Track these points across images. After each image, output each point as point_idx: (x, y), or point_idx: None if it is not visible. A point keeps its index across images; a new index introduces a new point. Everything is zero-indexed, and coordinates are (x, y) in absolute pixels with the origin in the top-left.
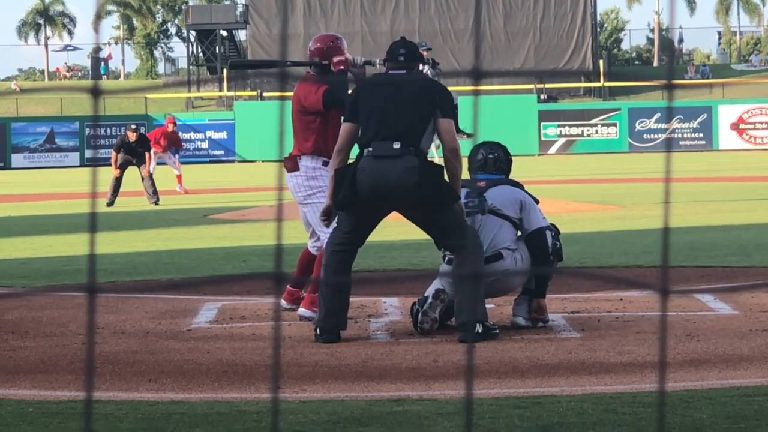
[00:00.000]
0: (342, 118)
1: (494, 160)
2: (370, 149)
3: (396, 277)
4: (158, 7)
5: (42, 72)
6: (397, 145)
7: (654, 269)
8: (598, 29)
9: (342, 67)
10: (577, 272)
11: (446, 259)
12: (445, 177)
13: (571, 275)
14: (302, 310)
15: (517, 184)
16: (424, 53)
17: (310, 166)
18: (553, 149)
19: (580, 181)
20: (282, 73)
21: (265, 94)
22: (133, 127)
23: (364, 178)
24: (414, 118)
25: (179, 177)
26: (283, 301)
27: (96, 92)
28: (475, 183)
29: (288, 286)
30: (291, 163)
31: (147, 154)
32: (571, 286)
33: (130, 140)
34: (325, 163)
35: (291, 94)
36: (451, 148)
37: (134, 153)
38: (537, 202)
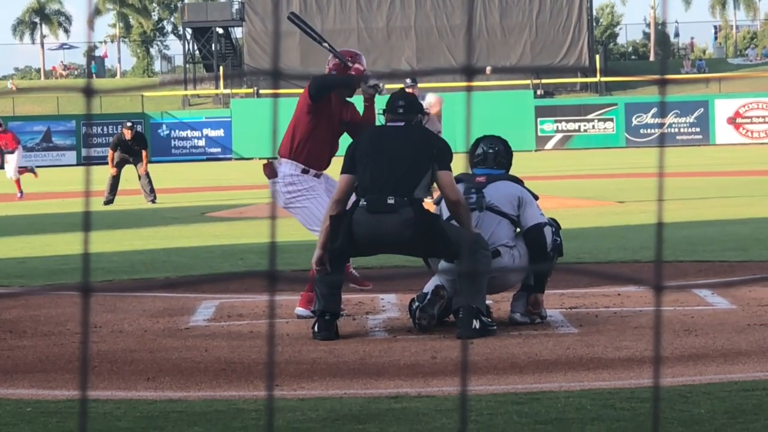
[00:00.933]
0: (333, 125)
1: (494, 155)
2: (365, 202)
3: (394, 274)
4: (154, 4)
5: (38, 70)
6: (391, 200)
7: (651, 264)
8: (594, 24)
9: (353, 73)
10: (571, 269)
11: None
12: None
13: (565, 272)
14: (299, 309)
15: (516, 180)
16: (411, 90)
17: (288, 173)
18: (549, 145)
19: (577, 176)
20: (275, 73)
21: (261, 92)
22: (129, 124)
23: (359, 231)
24: (409, 170)
25: (18, 182)
26: (300, 309)
27: (89, 92)
28: (475, 178)
29: (302, 293)
30: (269, 170)
31: (143, 152)
32: (569, 282)
33: (126, 138)
34: (305, 171)
35: (285, 91)
36: (453, 201)
37: (131, 151)
38: (536, 198)
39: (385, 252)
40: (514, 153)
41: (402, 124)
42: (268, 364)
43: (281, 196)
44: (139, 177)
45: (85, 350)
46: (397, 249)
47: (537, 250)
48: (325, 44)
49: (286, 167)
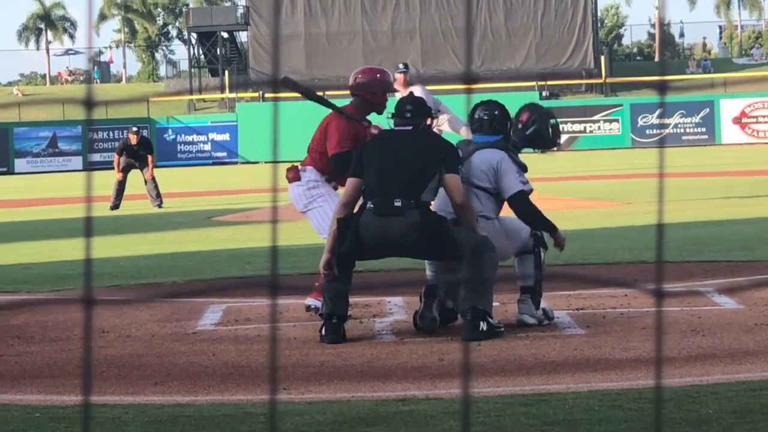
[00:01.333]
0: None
1: (490, 121)
2: (372, 205)
3: (400, 278)
4: (159, 9)
5: (43, 76)
6: (398, 202)
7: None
8: (599, 25)
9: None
10: (571, 275)
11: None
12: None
13: (566, 280)
14: (310, 300)
15: (504, 148)
16: (402, 76)
17: (313, 178)
18: None
19: (583, 177)
20: (274, 81)
21: (267, 95)
22: (134, 129)
23: (366, 233)
24: (416, 173)
25: None
26: (310, 300)
27: (89, 104)
28: (467, 146)
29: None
30: (293, 174)
31: (149, 157)
32: (576, 283)
33: (132, 143)
34: (328, 180)
35: (287, 95)
36: (459, 204)
37: (136, 156)
38: (524, 169)
39: (392, 255)
40: (519, 154)
41: (410, 128)
42: (271, 369)
43: (302, 199)
44: (145, 182)
45: (87, 363)
46: (404, 252)
47: (527, 216)
48: (328, 103)
49: (311, 174)
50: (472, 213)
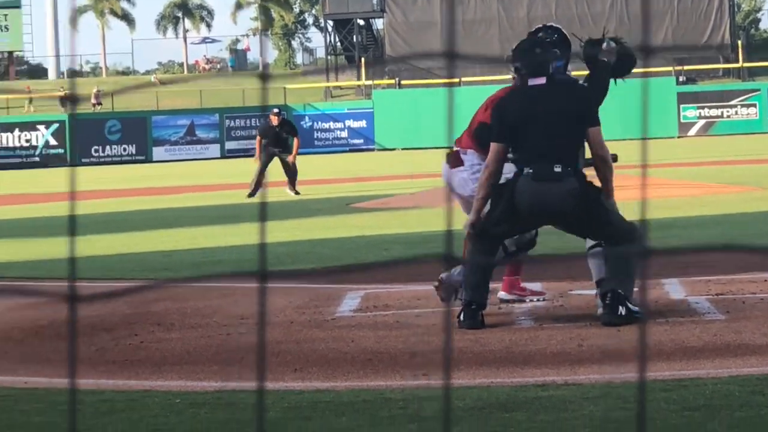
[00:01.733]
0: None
1: (551, 44)
2: (530, 170)
3: (539, 262)
4: None
5: (181, 65)
6: (558, 168)
7: None
8: (736, 9)
9: None
10: (744, 246)
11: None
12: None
13: (738, 251)
14: (502, 293)
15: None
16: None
17: (476, 162)
18: (692, 131)
19: (720, 162)
20: (449, 54)
21: (403, 82)
22: (276, 110)
23: (523, 200)
24: (569, 136)
25: None
26: (502, 293)
27: (265, 77)
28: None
29: (504, 277)
30: (454, 159)
31: (296, 140)
32: (716, 268)
33: (273, 124)
34: None
35: (425, 81)
36: (600, 156)
37: (278, 139)
38: None
39: (545, 223)
40: (656, 140)
41: (544, 81)
42: (444, 352)
43: (468, 184)
44: (286, 167)
45: (261, 339)
46: (558, 220)
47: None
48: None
49: (474, 157)
50: (610, 168)
